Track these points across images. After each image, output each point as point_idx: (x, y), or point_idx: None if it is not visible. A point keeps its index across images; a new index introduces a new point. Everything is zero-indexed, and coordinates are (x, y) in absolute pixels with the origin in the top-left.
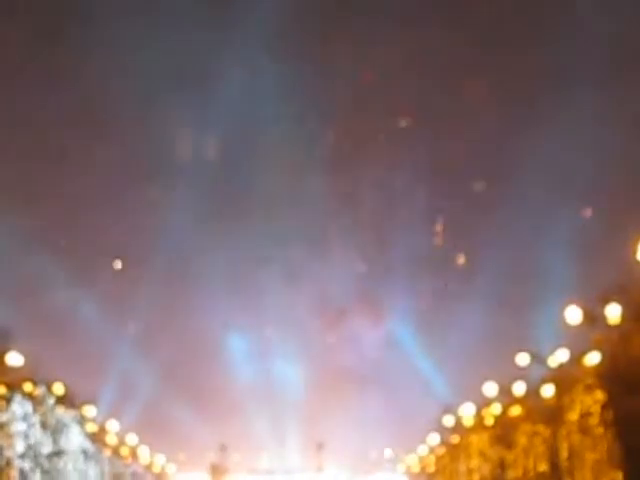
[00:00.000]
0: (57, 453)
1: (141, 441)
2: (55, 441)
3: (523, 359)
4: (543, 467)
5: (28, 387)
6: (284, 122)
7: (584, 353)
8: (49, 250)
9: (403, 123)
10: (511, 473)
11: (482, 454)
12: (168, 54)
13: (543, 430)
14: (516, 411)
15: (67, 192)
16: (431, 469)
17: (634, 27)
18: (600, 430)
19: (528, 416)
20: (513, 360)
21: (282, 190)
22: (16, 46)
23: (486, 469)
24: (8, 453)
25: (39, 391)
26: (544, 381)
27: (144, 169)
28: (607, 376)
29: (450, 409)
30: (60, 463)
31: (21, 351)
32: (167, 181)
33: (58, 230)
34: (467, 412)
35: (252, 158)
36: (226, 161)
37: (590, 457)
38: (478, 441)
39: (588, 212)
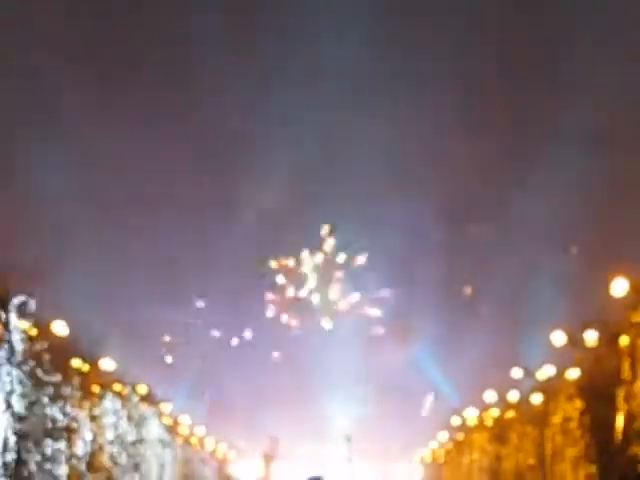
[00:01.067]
0: (139, 441)
1: (208, 432)
2: (138, 431)
3: (517, 373)
4: (531, 461)
5: (117, 387)
6: (329, 182)
7: (566, 369)
8: (140, 266)
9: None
10: (505, 465)
11: (482, 449)
12: (217, 119)
13: (532, 431)
14: (510, 415)
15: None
16: (441, 460)
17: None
18: (578, 432)
19: (520, 419)
20: (508, 373)
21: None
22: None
23: (485, 461)
24: (100, 440)
25: (126, 391)
26: (533, 391)
27: (203, 232)
28: (585, 388)
29: (457, 412)
30: (142, 449)
31: (113, 357)
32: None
33: (149, 245)
34: (470, 415)
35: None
36: (279, 216)
37: (570, 453)
38: (479, 438)
39: (573, 252)
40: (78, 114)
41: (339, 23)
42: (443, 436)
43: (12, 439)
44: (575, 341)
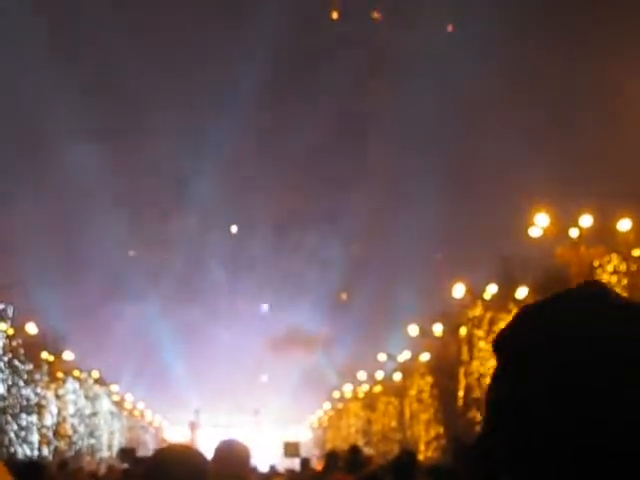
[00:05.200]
0: (94, 414)
1: (146, 406)
2: (93, 406)
3: (382, 357)
4: (394, 424)
5: (77, 373)
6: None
7: (420, 353)
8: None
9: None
10: (374, 427)
11: (356, 415)
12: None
13: (394, 401)
14: (377, 389)
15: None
16: (325, 424)
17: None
18: (429, 401)
19: (385, 392)
20: (376, 358)
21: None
22: None
23: (359, 424)
24: (64, 413)
25: (83, 375)
26: (395, 370)
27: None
28: (434, 368)
29: (337, 388)
30: (96, 420)
31: (72, 350)
32: None
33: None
34: (347, 389)
35: None
36: None
37: (423, 418)
38: (354, 407)
39: (438, 258)
40: None
41: None
42: (326, 406)
43: None
44: (426, 332)
